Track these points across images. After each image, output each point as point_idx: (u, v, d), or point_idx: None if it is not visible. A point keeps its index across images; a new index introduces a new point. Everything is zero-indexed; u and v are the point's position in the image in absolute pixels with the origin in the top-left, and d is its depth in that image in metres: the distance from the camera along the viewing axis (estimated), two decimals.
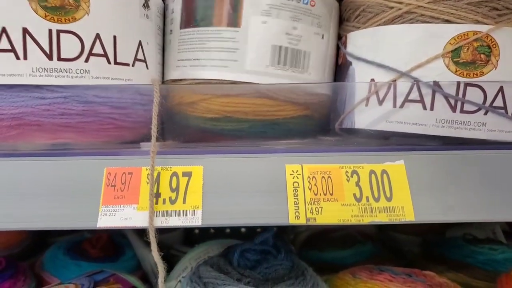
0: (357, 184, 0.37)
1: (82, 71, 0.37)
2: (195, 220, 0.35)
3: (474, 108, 0.39)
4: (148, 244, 0.71)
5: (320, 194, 0.36)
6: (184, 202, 0.36)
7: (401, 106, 0.42)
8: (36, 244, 0.80)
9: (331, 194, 0.36)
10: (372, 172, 0.37)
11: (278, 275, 0.44)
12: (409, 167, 0.37)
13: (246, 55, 0.42)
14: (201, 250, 0.67)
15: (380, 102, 0.43)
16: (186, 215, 0.35)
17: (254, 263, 0.45)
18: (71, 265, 0.68)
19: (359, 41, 0.45)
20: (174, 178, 0.36)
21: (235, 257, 0.45)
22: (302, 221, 0.35)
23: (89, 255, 0.71)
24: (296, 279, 0.44)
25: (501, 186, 0.36)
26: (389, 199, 0.36)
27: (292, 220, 0.35)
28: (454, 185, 0.36)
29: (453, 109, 0.40)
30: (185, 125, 0.43)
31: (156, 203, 0.35)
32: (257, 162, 0.37)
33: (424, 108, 0.40)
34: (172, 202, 0.36)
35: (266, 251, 0.46)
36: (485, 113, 0.39)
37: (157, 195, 0.36)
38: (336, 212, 0.36)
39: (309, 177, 0.37)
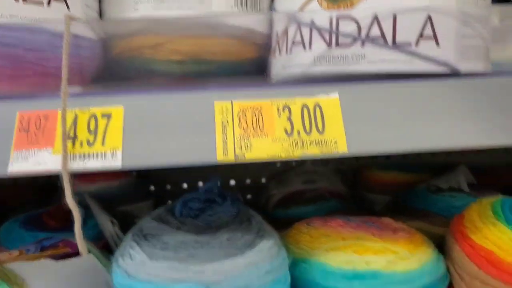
0: (289, 118, 0.35)
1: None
2: (114, 162, 0.33)
3: (349, 40, 0.37)
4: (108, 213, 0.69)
5: (250, 130, 0.34)
6: (103, 144, 0.33)
7: (290, 51, 0.40)
8: None
9: (261, 130, 0.34)
10: (304, 106, 0.35)
11: (222, 222, 0.42)
12: (343, 100, 0.35)
13: None
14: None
15: (279, 52, 0.42)
16: (105, 158, 0.33)
17: (197, 212, 0.43)
18: (27, 236, 0.66)
19: None
20: (93, 120, 0.34)
21: (177, 207, 0.43)
22: (230, 158, 0.33)
23: (47, 226, 0.69)
24: (241, 224, 0.42)
25: (424, 117, 0.34)
26: (321, 133, 0.34)
27: (220, 158, 0.33)
28: (385, 118, 0.34)
29: (329, 44, 0.37)
30: (141, 71, 0.41)
31: (73, 146, 0.33)
32: (184, 101, 0.35)
33: (304, 48, 0.39)
34: (90, 144, 0.33)
35: (211, 200, 0.44)
36: (362, 45, 0.37)
37: (74, 138, 0.34)
38: (266, 148, 0.34)
39: (239, 113, 0.35)
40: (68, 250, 0.54)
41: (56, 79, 0.39)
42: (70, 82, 0.39)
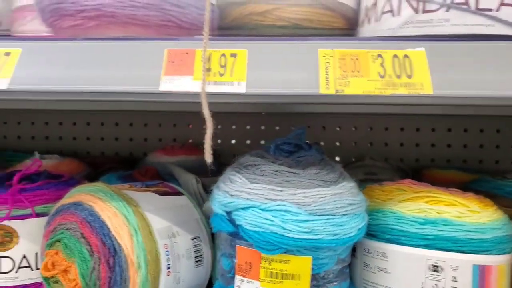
0: (382, 64, 0.42)
1: None
2: (240, 89, 0.41)
3: (435, 6, 0.43)
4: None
5: (348, 72, 0.41)
6: (231, 75, 0.42)
7: (379, 19, 0.47)
8: (90, 176, 0.89)
9: (358, 72, 0.41)
10: (395, 56, 0.42)
11: (308, 162, 0.49)
12: (429, 53, 0.42)
13: None
14: None
15: (369, 21, 0.49)
16: (233, 85, 0.41)
17: (288, 154, 0.51)
18: None
19: None
20: (223, 58, 0.43)
21: (271, 148, 0.51)
22: (331, 91, 0.41)
23: (138, 180, 0.79)
24: (326, 166, 0.49)
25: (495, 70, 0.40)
26: (410, 77, 0.41)
27: (323, 90, 0.41)
28: (463, 68, 0.41)
29: (416, 11, 0.44)
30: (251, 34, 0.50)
31: (208, 75, 0.42)
32: (294, 46, 0.43)
33: (393, 15, 0.46)
34: (221, 75, 0.42)
35: (298, 145, 0.51)
36: (447, 10, 0.43)
37: (208, 70, 0.42)
38: (362, 86, 0.41)
39: (340, 58, 0.42)
40: (167, 190, 0.63)
41: (188, 31, 0.49)
42: (199, 33, 0.48)
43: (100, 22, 0.46)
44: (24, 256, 0.61)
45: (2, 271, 0.60)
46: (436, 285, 0.47)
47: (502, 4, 0.41)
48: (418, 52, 0.42)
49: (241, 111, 1.06)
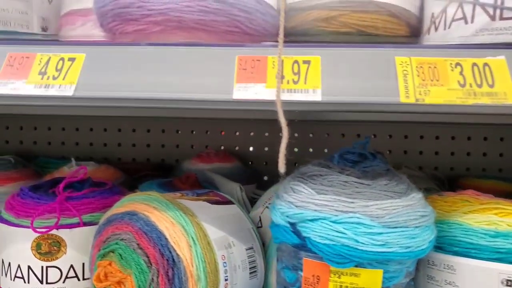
0: (461, 73, 0.40)
1: None
2: (314, 97, 0.40)
3: None
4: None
5: (428, 80, 0.40)
6: (305, 83, 0.41)
7: (449, 27, 0.46)
8: (127, 183, 0.88)
9: (438, 81, 0.40)
10: (474, 64, 0.41)
11: (375, 173, 0.48)
12: (510, 61, 0.40)
13: None
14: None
15: (436, 29, 0.48)
16: (307, 93, 0.40)
17: (352, 164, 0.49)
18: None
19: None
20: (296, 65, 0.42)
21: (335, 158, 0.50)
22: (411, 100, 0.39)
23: (180, 189, 0.77)
24: (393, 177, 0.48)
25: None
26: (491, 86, 0.39)
27: (403, 99, 0.39)
28: None
29: (492, 18, 0.43)
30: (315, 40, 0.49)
31: (282, 83, 0.41)
32: (370, 53, 0.42)
33: (466, 22, 0.45)
34: (295, 82, 0.41)
35: (363, 155, 0.50)
36: None
37: (282, 77, 0.41)
38: (442, 95, 0.39)
39: (417, 66, 0.41)
40: (218, 198, 0.62)
41: (253, 37, 0.48)
42: (262, 40, 0.47)
43: (165, 27, 0.45)
44: (72, 266, 0.60)
45: (49, 281, 0.59)
46: None
47: None
48: (498, 61, 0.41)
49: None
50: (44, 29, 0.65)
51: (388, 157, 1.05)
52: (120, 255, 0.52)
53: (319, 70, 0.41)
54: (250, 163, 1.06)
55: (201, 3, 0.43)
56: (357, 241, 0.43)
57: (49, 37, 0.65)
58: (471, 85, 0.40)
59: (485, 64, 0.41)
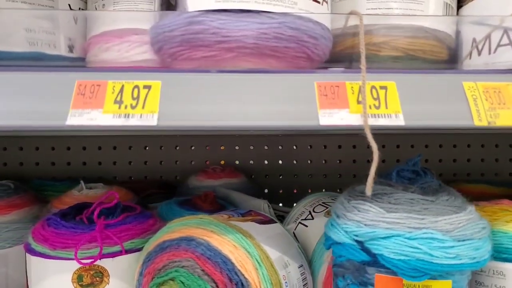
0: None
1: (292, 3, 0.45)
2: (398, 121, 0.42)
3: None
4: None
5: (495, 104, 0.44)
6: (386, 108, 0.43)
7: (494, 52, 0.50)
8: (140, 203, 0.85)
9: (504, 104, 0.44)
10: None
11: (432, 188, 0.51)
12: None
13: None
14: (313, 199, 0.73)
15: (479, 53, 0.52)
16: (390, 118, 0.42)
17: (408, 181, 0.52)
18: (187, 215, 0.74)
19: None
20: (374, 90, 0.44)
21: (393, 175, 0.52)
22: (484, 123, 0.42)
23: (201, 207, 0.77)
24: (449, 192, 0.51)
25: None
26: None
27: (477, 123, 0.42)
28: None
29: None
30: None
31: (364, 108, 0.42)
32: (439, 79, 0.45)
33: None
34: (376, 107, 0.43)
35: (416, 171, 0.53)
36: None
37: (364, 102, 0.43)
38: (510, 117, 0.43)
39: (483, 91, 0.44)
40: (261, 218, 0.62)
41: (316, 62, 0.49)
42: (313, 66, 0.49)
43: (238, 53, 0.45)
44: None
45: None
46: None
47: None
48: None
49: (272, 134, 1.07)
50: (70, 49, 0.62)
51: (380, 166, 1.09)
52: (183, 282, 0.51)
53: (396, 95, 0.43)
54: (251, 176, 1.07)
55: (277, 30, 0.44)
56: (431, 255, 0.45)
57: (77, 59, 0.62)
58: None
59: None
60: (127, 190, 0.86)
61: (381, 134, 1.06)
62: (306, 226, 0.68)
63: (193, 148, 1.07)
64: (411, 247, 0.46)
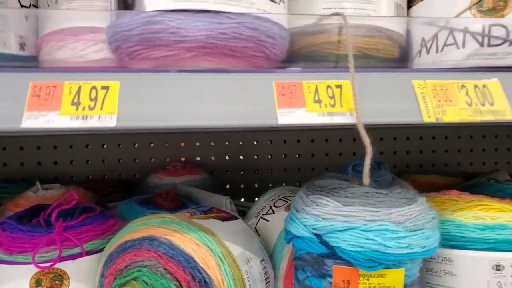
0: (467, 94, 0.47)
1: (249, 3, 0.45)
2: (352, 119, 0.44)
3: (499, 41, 0.51)
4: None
5: (442, 101, 0.46)
6: (341, 106, 0.44)
7: (441, 50, 0.53)
8: (99, 203, 0.84)
9: (450, 101, 0.46)
10: (475, 86, 0.48)
11: (386, 182, 0.53)
12: (502, 82, 0.48)
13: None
14: (273, 193, 0.75)
15: (427, 52, 0.55)
16: (345, 115, 0.44)
17: (361, 175, 0.54)
18: (148, 214, 0.74)
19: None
20: (330, 89, 0.45)
21: (349, 170, 0.54)
22: (432, 119, 0.45)
23: (162, 206, 0.77)
24: (399, 185, 0.53)
25: None
26: (492, 104, 0.47)
27: (426, 119, 0.45)
28: None
29: (481, 44, 0.51)
30: (320, 61, 0.52)
31: (320, 108, 0.44)
32: (391, 77, 0.47)
33: (458, 48, 0.53)
34: (332, 106, 0.44)
35: (370, 166, 0.55)
36: (510, 44, 0.51)
37: (320, 101, 0.44)
38: (456, 114, 0.46)
39: (432, 89, 0.47)
40: (224, 214, 0.63)
41: (273, 61, 0.50)
42: (274, 64, 0.50)
43: (197, 53, 0.45)
44: None
45: None
46: (499, 281, 0.54)
47: None
48: (493, 82, 0.48)
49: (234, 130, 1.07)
50: (22, 47, 0.60)
51: (338, 159, 1.13)
52: (146, 282, 0.51)
53: (351, 94, 0.45)
54: (212, 172, 1.07)
55: (235, 30, 0.45)
56: (385, 246, 0.47)
57: (29, 57, 0.60)
58: (476, 104, 0.47)
59: (484, 86, 0.48)
60: (85, 190, 0.84)
61: (340, 129, 1.09)
62: (267, 220, 0.69)
63: (152, 145, 1.06)
64: (367, 238, 0.48)
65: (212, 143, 1.08)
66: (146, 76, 0.44)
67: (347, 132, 1.10)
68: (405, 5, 0.60)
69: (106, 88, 0.42)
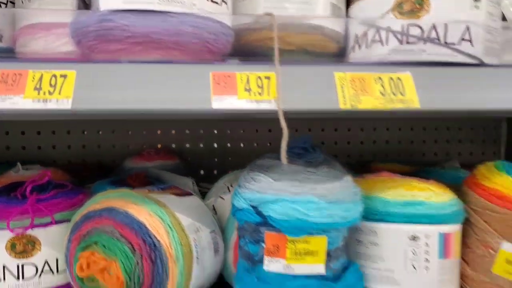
0: (382, 85, 0.54)
1: (191, 4, 0.53)
2: (274, 106, 0.51)
3: (415, 39, 0.58)
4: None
5: (359, 91, 0.54)
6: (268, 95, 0.52)
7: (370, 47, 0.61)
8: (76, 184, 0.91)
9: (366, 92, 0.54)
10: (391, 78, 0.55)
11: (318, 162, 0.61)
12: (413, 76, 0.55)
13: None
14: (232, 176, 0.82)
15: (359, 47, 0.62)
16: (271, 103, 0.51)
17: (298, 156, 0.61)
18: None
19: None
20: (259, 80, 0.52)
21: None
22: (348, 106, 0.52)
23: (131, 186, 0.84)
24: (329, 164, 0.61)
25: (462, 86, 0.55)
26: (403, 95, 0.54)
27: (342, 106, 0.52)
28: (434, 87, 0.55)
29: (401, 42, 0.59)
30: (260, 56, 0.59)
31: (249, 95, 0.51)
32: (314, 70, 0.54)
33: (382, 44, 0.60)
34: (260, 94, 0.52)
35: (305, 148, 0.63)
36: (424, 43, 0.58)
37: (250, 90, 0.52)
38: (370, 102, 0.53)
39: (350, 80, 0.54)
40: (180, 191, 0.70)
41: (217, 55, 0.57)
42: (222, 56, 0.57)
43: (145, 47, 0.52)
44: (46, 262, 0.65)
45: (26, 277, 0.63)
46: (414, 250, 0.61)
47: (462, 39, 0.57)
48: (406, 75, 0.55)
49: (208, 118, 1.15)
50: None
51: None
52: (104, 245, 0.58)
53: (276, 84, 0.52)
54: (188, 158, 1.14)
55: (178, 27, 0.52)
56: (308, 215, 0.55)
57: (6, 49, 0.67)
58: (389, 94, 0.54)
59: (398, 78, 0.55)
60: (64, 172, 0.92)
61: (308, 119, 1.17)
62: (223, 199, 0.76)
63: (130, 132, 1.13)
64: (293, 209, 0.55)
65: (187, 131, 1.15)
66: (100, 66, 0.51)
67: (320, 123, 1.18)
68: (342, 5, 0.67)
69: (64, 76, 0.50)
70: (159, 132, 1.14)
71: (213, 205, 0.78)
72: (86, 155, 1.12)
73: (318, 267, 0.57)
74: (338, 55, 0.66)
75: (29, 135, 1.09)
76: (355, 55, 0.64)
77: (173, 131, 1.15)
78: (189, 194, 0.71)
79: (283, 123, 0.50)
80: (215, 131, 1.16)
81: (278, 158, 0.61)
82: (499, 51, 0.61)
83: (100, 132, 1.12)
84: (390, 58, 0.59)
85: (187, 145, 1.16)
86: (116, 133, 1.13)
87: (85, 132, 1.12)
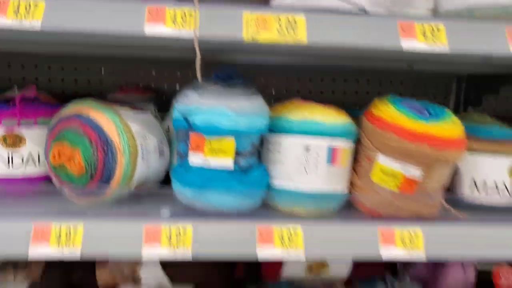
0: (279, 24, 0.71)
1: None
2: (190, 35, 0.69)
3: None
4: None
5: (260, 28, 0.70)
6: (190, 27, 0.69)
7: None
8: None
9: (266, 29, 0.70)
10: (288, 20, 0.71)
11: (238, 86, 0.78)
12: (307, 19, 0.72)
13: None
14: None
15: None
16: (180, 32, 0.69)
17: (222, 81, 0.79)
18: None
19: None
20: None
21: (213, 76, 0.79)
22: (249, 39, 0.69)
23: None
24: (247, 87, 0.78)
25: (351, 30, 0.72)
26: (295, 33, 0.71)
27: (246, 38, 0.69)
28: (323, 29, 0.71)
29: None
30: None
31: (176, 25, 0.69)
32: (228, 10, 0.71)
33: None
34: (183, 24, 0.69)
35: (230, 76, 0.80)
36: None
37: (174, 22, 0.69)
38: (267, 36, 0.70)
39: (255, 19, 0.71)
40: (137, 108, 0.89)
41: None
42: None
43: None
44: (30, 154, 0.84)
45: (15, 164, 0.83)
46: (307, 158, 0.79)
47: None
48: (300, 18, 0.72)
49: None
50: None
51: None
52: (70, 138, 0.78)
53: (197, 18, 0.69)
54: (164, 96, 1.33)
55: None
56: (221, 123, 0.73)
57: None
58: (284, 32, 0.71)
59: (294, 20, 0.72)
60: (52, 97, 1.11)
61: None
62: None
63: (114, 71, 1.31)
64: (211, 118, 0.73)
65: (166, 74, 1.33)
66: None
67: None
68: None
69: (36, 4, 0.67)
70: (141, 72, 1.32)
71: (167, 126, 0.97)
72: (78, 88, 1.31)
73: (227, 161, 0.76)
74: (264, 1, 0.82)
75: (28, 69, 1.28)
76: (282, 2, 0.79)
77: (153, 73, 1.33)
78: (145, 112, 0.90)
79: (197, 48, 0.67)
80: (190, 74, 1.33)
81: (208, 81, 0.79)
82: (387, 2, 0.76)
83: (89, 69, 1.31)
84: (297, 5, 0.75)
85: (165, 86, 1.34)
86: (105, 71, 1.31)
87: (76, 69, 1.30)
